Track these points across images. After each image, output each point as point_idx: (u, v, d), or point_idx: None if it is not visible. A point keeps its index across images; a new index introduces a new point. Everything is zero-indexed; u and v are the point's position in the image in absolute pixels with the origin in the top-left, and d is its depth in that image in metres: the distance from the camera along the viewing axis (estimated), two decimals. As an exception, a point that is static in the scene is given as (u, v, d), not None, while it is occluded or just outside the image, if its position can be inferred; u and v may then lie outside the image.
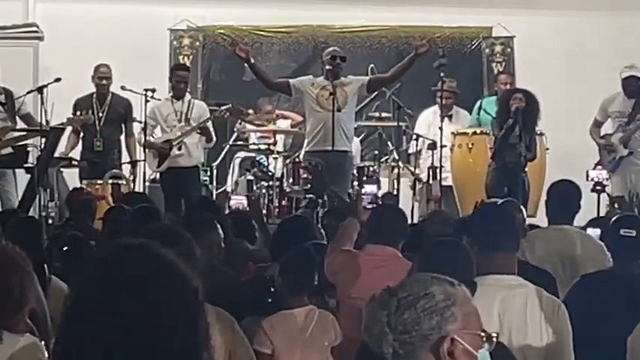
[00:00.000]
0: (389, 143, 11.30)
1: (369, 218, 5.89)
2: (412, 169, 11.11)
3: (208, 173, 11.18)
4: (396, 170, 10.70)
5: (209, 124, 10.70)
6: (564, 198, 6.52)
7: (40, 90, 9.88)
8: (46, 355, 3.39)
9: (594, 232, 6.73)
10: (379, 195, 9.82)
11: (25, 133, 10.14)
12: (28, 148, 10.17)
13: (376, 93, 11.15)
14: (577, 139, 11.53)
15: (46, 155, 9.70)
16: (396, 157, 10.86)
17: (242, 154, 11.72)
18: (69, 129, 10.64)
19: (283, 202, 10.17)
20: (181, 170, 10.49)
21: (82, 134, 10.86)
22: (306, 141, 10.34)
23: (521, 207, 6.55)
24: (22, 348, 3.39)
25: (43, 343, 3.44)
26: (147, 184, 10.73)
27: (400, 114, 11.12)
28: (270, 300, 5.13)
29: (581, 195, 6.67)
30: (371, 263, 5.53)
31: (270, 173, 10.51)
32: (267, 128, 11.48)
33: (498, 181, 9.54)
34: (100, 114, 10.81)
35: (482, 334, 2.55)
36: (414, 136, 11.13)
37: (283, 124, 11.95)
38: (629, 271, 5.20)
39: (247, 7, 13.18)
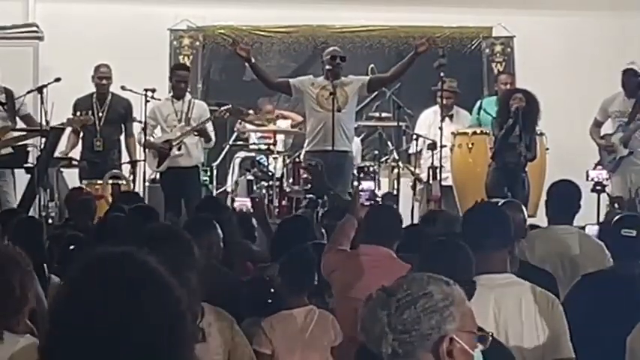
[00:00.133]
0: (389, 143, 11.30)
1: (363, 218, 5.89)
2: (412, 169, 11.11)
3: (208, 173, 11.18)
4: (396, 170, 10.70)
5: (209, 124, 10.70)
6: (564, 198, 6.52)
7: (40, 90, 9.89)
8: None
9: (591, 230, 6.74)
10: (377, 192, 9.83)
11: (25, 133, 10.15)
12: (28, 148, 10.17)
13: (376, 93, 11.15)
14: (577, 139, 11.53)
15: (46, 155, 9.70)
16: (396, 157, 10.86)
17: (242, 154, 11.72)
18: (69, 129, 10.64)
19: (283, 202, 10.17)
20: (181, 170, 10.49)
21: (82, 134, 10.86)
22: (306, 141, 10.34)
23: (523, 207, 6.55)
24: (22, 348, 3.39)
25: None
26: (147, 184, 10.73)
27: (400, 114, 11.12)
28: (270, 300, 5.12)
29: (581, 195, 6.67)
30: (365, 263, 5.53)
31: (270, 173, 10.51)
32: (267, 128, 11.48)
33: (498, 181, 9.54)
34: (100, 114, 10.81)
35: (478, 333, 2.56)
36: (414, 136, 11.12)
37: (283, 124, 11.95)
38: (630, 271, 5.20)
39: (247, 7, 13.18)
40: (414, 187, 10.78)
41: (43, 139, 9.71)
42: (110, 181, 10.24)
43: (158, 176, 10.90)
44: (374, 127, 11.62)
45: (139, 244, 2.14)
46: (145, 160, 10.59)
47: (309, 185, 9.87)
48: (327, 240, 6.41)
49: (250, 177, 10.73)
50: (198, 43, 13.27)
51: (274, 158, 10.76)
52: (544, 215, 6.85)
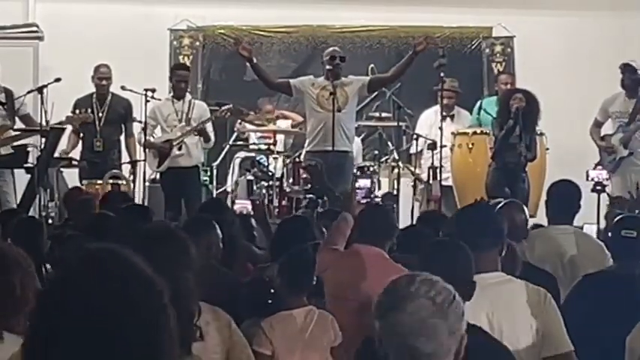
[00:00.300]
0: (389, 143, 11.29)
1: (357, 218, 5.89)
2: (412, 169, 11.12)
3: (208, 173, 11.18)
4: (396, 170, 10.70)
5: (209, 124, 10.70)
6: (564, 198, 6.53)
7: (40, 90, 9.89)
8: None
9: (590, 230, 6.75)
10: (374, 190, 9.84)
11: (24, 132, 10.15)
12: (28, 148, 10.18)
13: (376, 93, 11.15)
14: (577, 139, 11.53)
15: (46, 155, 9.71)
16: (396, 157, 10.86)
17: (242, 154, 11.72)
18: (69, 129, 10.64)
19: (283, 202, 10.17)
20: (181, 170, 10.50)
21: (82, 134, 10.87)
22: (306, 141, 10.35)
23: (524, 207, 6.55)
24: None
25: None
26: (147, 184, 10.73)
27: (400, 114, 11.12)
28: (270, 301, 5.11)
29: (581, 195, 6.67)
30: (356, 263, 5.53)
31: (270, 173, 10.51)
32: (267, 128, 11.48)
33: (498, 181, 9.55)
34: (100, 114, 10.81)
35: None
36: (415, 136, 11.13)
37: (283, 124, 11.95)
38: (630, 271, 5.20)
39: (247, 7, 13.18)
40: (414, 187, 10.78)
41: (43, 139, 9.71)
42: (110, 181, 10.23)
43: (158, 176, 10.91)
44: (374, 127, 11.62)
45: (131, 244, 2.14)
46: (145, 160, 10.60)
47: (309, 185, 9.87)
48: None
49: (250, 177, 10.72)
50: (198, 43, 13.27)
51: (274, 158, 10.76)
52: (544, 215, 6.85)
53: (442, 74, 10.57)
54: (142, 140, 10.50)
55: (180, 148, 10.52)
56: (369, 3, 13.08)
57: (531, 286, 4.26)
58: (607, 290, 5.15)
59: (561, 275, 5.95)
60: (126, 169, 10.78)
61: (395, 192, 10.42)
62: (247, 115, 11.54)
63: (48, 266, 5.68)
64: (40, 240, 5.86)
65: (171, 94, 10.86)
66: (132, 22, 12.78)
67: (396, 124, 11.21)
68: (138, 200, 10.25)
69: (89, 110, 10.63)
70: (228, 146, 11.48)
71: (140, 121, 10.55)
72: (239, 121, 11.68)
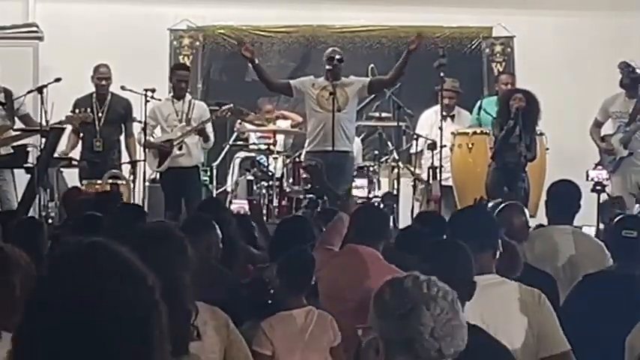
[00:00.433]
0: (389, 143, 11.29)
1: (351, 218, 5.89)
2: (412, 169, 11.11)
3: (208, 173, 11.18)
4: (396, 170, 10.70)
5: (209, 124, 10.70)
6: (564, 198, 6.53)
7: (40, 90, 9.89)
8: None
9: (588, 232, 6.75)
10: (371, 189, 9.83)
11: (25, 132, 10.16)
12: (28, 148, 10.18)
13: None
14: (577, 139, 11.53)
15: (46, 155, 9.70)
16: (396, 157, 10.85)
17: (242, 154, 11.72)
18: (69, 129, 10.64)
19: (283, 202, 10.17)
20: (181, 170, 10.50)
21: (81, 134, 10.86)
22: (307, 141, 10.35)
23: (525, 209, 6.56)
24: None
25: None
26: (147, 184, 10.73)
27: (400, 114, 11.12)
28: (269, 302, 5.11)
29: (581, 195, 6.68)
30: (350, 263, 5.53)
31: (270, 173, 10.51)
32: (267, 128, 11.48)
33: (498, 181, 9.55)
34: (100, 114, 10.81)
35: None
36: (415, 136, 11.12)
37: (283, 124, 11.95)
38: (630, 271, 5.20)
39: (247, 7, 13.18)
40: (414, 187, 10.78)
41: (43, 139, 9.71)
42: (110, 181, 10.23)
43: (158, 176, 10.90)
44: (374, 127, 11.61)
45: (127, 243, 2.14)
46: (145, 160, 10.60)
47: (309, 185, 9.87)
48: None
49: (250, 177, 10.72)
50: (198, 43, 13.27)
51: (274, 158, 10.76)
52: (544, 215, 6.85)
53: (442, 74, 10.56)
54: (142, 140, 10.50)
55: (180, 148, 10.52)
56: (369, 3, 13.07)
57: (525, 287, 4.26)
58: (607, 290, 5.15)
59: (561, 275, 5.95)
60: (126, 169, 10.77)
61: (395, 192, 10.42)
62: (247, 115, 11.54)
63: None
64: (40, 240, 5.85)
65: (171, 94, 10.86)
66: (132, 22, 12.78)
67: (396, 124, 11.20)
68: (138, 200, 10.26)
69: (89, 110, 10.63)
70: (228, 146, 11.48)
71: (140, 121, 10.55)
72: (239, 121, 11.68)
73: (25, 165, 9.85)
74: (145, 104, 10.40)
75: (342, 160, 9.90)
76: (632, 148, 10.68)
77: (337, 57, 10.07)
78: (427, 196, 10.48)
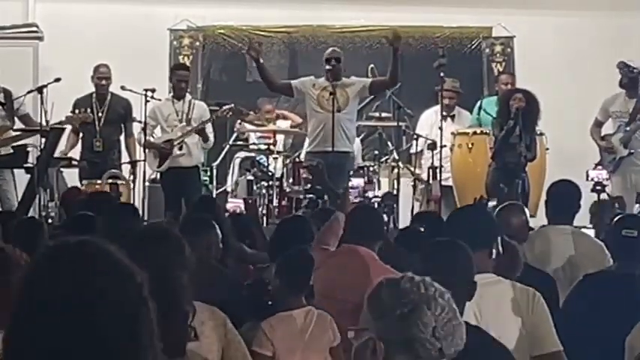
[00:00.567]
0: (389, 143, 11.29)
1: (346, 218, 5.89)
2: (412, 169, 11.11)
3: (208, 173, 11.17)
4: (396, 170, 10.69)
5: (209, 124, 10.70)
6: (564, 198, 6.53)
7: (39, 90, 9.90)
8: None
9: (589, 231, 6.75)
10: (369, 189, 9.83)
11: (25, 132, 10.16)
12: (28, 148, 10.18)
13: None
14: (577, 139, 11.53)
15: (46, 155, 9.71)
16: (396, 157, 10.85)
17: (242, 154, 11.72)
18: (69, 129, 10.64)
19: (283, 202, 10.17)
20: (182, 170, 10.50)
21: (81, 134, 10.86)
22: (307, 142, 10.36)
23: (525, 209, 6.56)
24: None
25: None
26: (147, 184, 10.73)
27: (400, 114, 11.11)
28: (270, 303, 5.11)
29: (581, 195, 6.68)
30: (345, 263, 5.53)
31: (270, 173, 10.51)
32: (267, 128, 11.48)
33: (498, 181, 9.55)
34: (100, 114, 10.81)
35: None
36: (415, 136, 11.12)
37: (283, 124, 11.95)
38: (630, 271, 5.20)
39: (247, 7, 13.18)
40: (414, 187, 10.78)
41: (43, 139, 9.71)
42: (109, 181, 10.22)
43: (158, 176, 10.91)
44: (374, 127, 11.61)
45: (123, 244, 2.15)
46: (145, 160, 10.60)
47: (309, 185, 9.87)
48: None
49: (250, 177, 10.72)
50: (198, 43, 13.27)
51: (274, 158, 10.76)
52: (544, 215, 6.85)
53: (442, 74, 10.57)
54: (142, 140, 10.49)
55: (180, 148, 10.53)
56: (369, 3, 13.07)
57: (520, 287, 4.25)
58: (607, 290, 5.15)
59: (561, 275, 5.96)
60: (126, 169, 10.77)
61: (395, 192, 10.41)
62: (247, 115, 11.54)
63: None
64: (40, 240, 5.84)
65: (171, 94, 10.86)
66: (132, 22, 12.78)
67: (396, 124, 11.20)
68: (138, 200, 10.26)
69: (89, 110, 10.63)
70: (228, 146, 11.48)
71: (140, 121, 10.55)
72: (239, 121, 11.67)
73: (25, 165, 9.85)
74: (145, 104, 10.40)
75: (342, 161, 9.90)
76: (632, 148, 10.68)
77: (335, 57, 10.07)
78: (427, 196, 10.48)
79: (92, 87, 10.95)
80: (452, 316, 2.60)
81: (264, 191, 10.37)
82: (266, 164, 10.73)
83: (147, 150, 10.54)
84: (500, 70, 13.06)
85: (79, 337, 1.91)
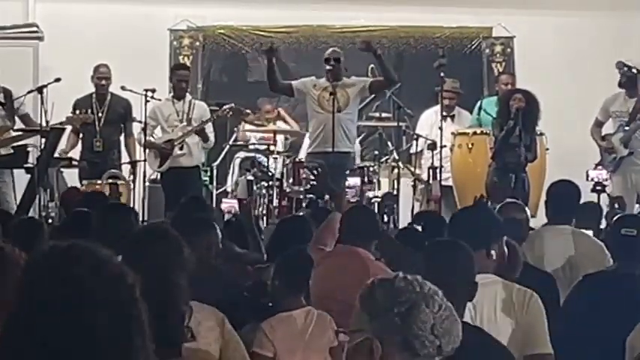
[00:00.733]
0: (389, 143, 11.28)
1: (341, 219, 5.89)
2: (412, 169, 11.11)
3: (208, 173, 11.17)
4: (396, 170, 10.69)
5: (209, 124, 10.70)
6: (563, 198, 6.52)
7: (40, 90, 9.90)
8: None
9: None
10: (367, 189, 9.82)
11: (25, 132, 10.16)
12: (28, 148, 10.18)
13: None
14: (577, 139, 11.53)
15: (46, 155, 9.71)
16: (396, 157, 10.85)
17: (242, 154, 11.72)
18: (69, 129, 10.64)
19: (283, 202, 10.17)
20: (182, 170, 10.51)
21: (81, 134, 10.86)
22: (308, 142, 10.36)
23: (525, 208, 6.55)
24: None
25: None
26: (147, 184, 10.73)
27: (400, 114, 11.12)
28: (270, 304, 5.10)
29: (581, 195, 6.68)
30: (340, 263, 5.53)
31: (270, 173, 10.51)
32: (267, 128, 11.48)
33: (498, 181, 9.54)
34: (100, 114, 10.81)
35: None
36: (415, 136, 11.12)
37: (283, 125, 11.95)
38: (631, 270, 5.20)
39: (247, 7, 13.17)
40: (414, 187, 10.78)
41: (43, 139, 9.71)
42: (109, 181, 10.22)
43: (158, 176, 10.91)
44: (374, 127, 11.61)
45: (115, 243, 2.16)
46: (145, 160, 10.60)
47: (310, 185, 9.86)
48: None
49: (250, 177, 10.72)
50: (198, 43, 13.27)
51: (274, 158, 10.76)
52: (544, 215, 6.85)
53: (442, 74, 10.57)
54: (142, 140, 10.49)
55: (181, 148, 10.53)
56: (369, 3, 13.07)
57: (517, 288, 4.24)
58: (607, 290, 5.15)
59: (561, 275, 5.95)
60: (126, 169, 10.77)
61: (395, 192, 10.41)
62: (247, 115, 11.54)
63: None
64: (39, 240, 5.84)
65: (172, 94, 10.87)
66: (132, 22, 12.78)
67: (396, 124, 11.20)
68: (138, 200, 10.26)
69: (89, 110, 10.63)
70: (228, 146, 11.47)
71: (140, 121, 10.55)
72: (241, 127, 11.65)
73: (25, 165, 9.85)
74: (145, 104, 10.40)
75: (342, 161, 9.90)
76: (633, 148, 10.67)
77: (335, 57, 10.06)
78: (427, 196, 10.48)
79: (92, 87, 10.95)
80: (449, 314, 2.60)
81: (264, 191, 10.37)
82: (266, 164, 10.72)
83: (147, 150, 10.54)
84: (500, 70, 13.05)
85: (70, 337, 1.93)
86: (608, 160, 10.73)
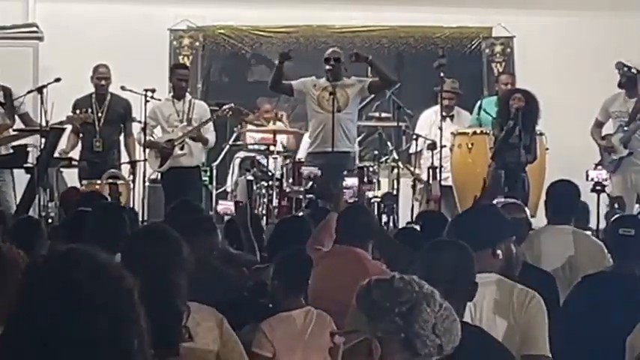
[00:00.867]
0: (389, 143, 11.28)
1: (338, 219, 5.89)
2: (412, 169, 11.11)
3: (208, 173, 11.17)
4: (395, 170, 10.69)
5: (210, 124, 10.70)
6: (563, 198, 6.52)
7: (39, 90, 9.90)
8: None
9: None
10: (367, 189, 9.82)
11: (25, 132, 10.16)
12: (28, 148, 10.18)
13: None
14: (577, 139, 11.52)
15: (46, 155, 9.70)
16: (396, 157, 10.85)
17: (242, 154, 11.71)
18: (69, 129, 10.64)
19: (283, 202, 10.17)
20: (183, 170, 10.51)
21: (81, 134, 10.86)
22: (307, 141, 10.36)
23: (525, 208, 6.54)
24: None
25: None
26: (147, 184, 10.73)
27: (400, 114, 11.12)
28: (270, 305, 5.10)
29: (580, 195, 6.67)
30: (337, 263, 5.52)
31: (270, 173, 10.51)
32: (266, 128, 11.48)
33: (498, 181, 9.54)
34: (100, 114, 10.81)
35: None
36: (414, 136, 11.13)
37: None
38: (630, 270, 5.20)
39: (247, 7, 13.18)
40: (414, 187, 10.78)
41: (43, 139, 9.71)
42: (109, 181, 10.21)
43: (159, 176, 10.91)
44: (374, 127, 11.61)
45: (108, 243, 2.17)
46: (144, 160, 10.60)
47: (309, 185, 9.86)
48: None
49: (250, 177, 10.72)
50: (198, 43, 13.27)
51: (274, 158, 10.75)
52: (544, 215, 6.84)
53: (442, 74, 10.57)
54: (142, 140, 10.49)
55: (182, 148, 10.53)
56: (369, 3, 13.07)
57: (520, 287, 4.23)
58: (607, 290, 5.15)
59: (561, 275, 5.95)
60: (125, 169, 10.77)
61: (395, 192, 10.41)
62: (247, 115, 11.54)
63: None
64: (38, 240, 5.85)
65: (171, 93, 10.87)
66: (132, 22, 12.78)
67: (395, 124, 11.21)
68: (138, 200, 10.26)
69: (89, 110, 10.63)
70: (228, 146, 11.47)
71: (140, 121, 10.55)
72: (239, 125, 11.65)
73: (25, 165, 9.85)
74: (145, 104, 10.40)
75: (342, 161, 9.90)
76: (632, 148, 10.67)
77: (335, 57, 10.06)
78: (427, 196, 10.48)
79: (92, 87, 10.95)
80: (449, 313, 2.60)
81: (263, 191, 10.37)
82: (266, 164, 10.72)
83: (148, 150, 10.54)
84: (500, 70, 13.06)
85: (69, 341, 1.93)
86: (608, 160, 10.73)
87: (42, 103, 9.71)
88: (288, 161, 10.73)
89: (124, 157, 10.94)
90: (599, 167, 10.26)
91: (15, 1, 12.95)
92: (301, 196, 10.01)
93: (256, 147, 11.31)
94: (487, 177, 9.59)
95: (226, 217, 9.42)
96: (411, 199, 10.68)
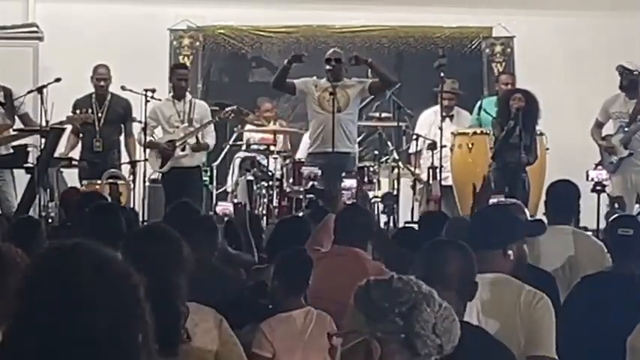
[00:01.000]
0: (389, 143, 11.28)
1: (336, 219, 5.89)
2: (412, 169, 11.11)
3: (208, 173, 11.17)
4: (396, 170, 10.69)
5: (211, 126, 10.71)
6: (563, 198, 6.52)
7: (39, 90, 9.90)
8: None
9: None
10: (367, 189, 9.82)
11: (25, 132, 10.16)
12: (28, 148, 10.18)
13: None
14: (577, 139, 11.52)
15: (46, 155, 9.70)
16: (396, 157, 10.85)
17: (242, 154, 11.71)
18: (69, 129, 10.64)
19: (283, 202, 10.17)
20: (183, 170, 10.51)
21: (81, 135, 10.87)
22: (307, 141, 10.36)
23: (525, 208, 6.54)
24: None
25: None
26: (147, 184, 10.73)
27: (400, 114, 11.11)
28: (270, 306, 5.10)
29: (580, 195, 6.67)
30: (336, 264, 5.53)
31: (270, 173, 10.51)
32: (267, 128, 11.48)
33: (498, 181, 9.54)
34: (100, 114, 10.81)
35: None
36: (414, 136, 11.13)
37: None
38: (629, 270, 5.20)
39: (247, 7, 13.18)
40: (414, 187, 10.78)
41: (43, 139, 9.71)
42: (109, 181, 10.21)
43: (159, 176, 10.91)
44: (374, 127, 11.61)
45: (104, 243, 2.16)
46: (145, 160, 10.60)
47: (309, 185, 9.86)
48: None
49: (250, 177, 10.72)
50: (198, 43, 13.27)
51: (274, 158, 10.75)
52: (544, 215, 6.84)
53: (442, 74, 10.57)
54: (142, 140, 10.49)
55: (183, 149, 10.53)
56: (369, 3, 13.07)
57: (528, 288, 4.23)
58: (607, 291, 5.15)
59: (561, 275, 5.95)
60: (126, 169, 10.77)
61: (395, 192, 10.42)
62: (247, 115, 11.54)
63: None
64: (38, 240, 5.85)
65: (171, 94, 10.87)
66: (132, 22, 12.78)
67: (395, 124, 11.20)
68: (138, 200, 10.26)
69: (89, 111, 10.63)
70: (228, 146, 11.47)
71: (140, 121, 10.55)
72: (239, 125, 11.65)
73: (25, 165, 9.85)
74: (145, 104, 10.40)
75: (342, 161, 9.90)
76: (632, 148, 10.67)
77: (335, 57, 10.07)
78: (427, 196, 10.48)
79: (92, 87, 10.96)
80: (449, 313, 2.60)
81: (264, 191, 10.37)
82: (266, 164, 10.72)
83: (149, 150, 10.54)
84: (500, 70, 13.05)
85: (74, 337, 1.92)
86: (608, 160, 10.73)
87: (42, 103, 9.71)
88: (288, 161, 10.73)
89: (124, 157, 10.94)
90: (599, 167, 10.25)
91: (15, 1, 12.95)
92: (301, 196, 10.01)
93: (256, 147, 11.32)
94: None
95: (226, 218, 9.43)
96: (411, 199, 10.68)
